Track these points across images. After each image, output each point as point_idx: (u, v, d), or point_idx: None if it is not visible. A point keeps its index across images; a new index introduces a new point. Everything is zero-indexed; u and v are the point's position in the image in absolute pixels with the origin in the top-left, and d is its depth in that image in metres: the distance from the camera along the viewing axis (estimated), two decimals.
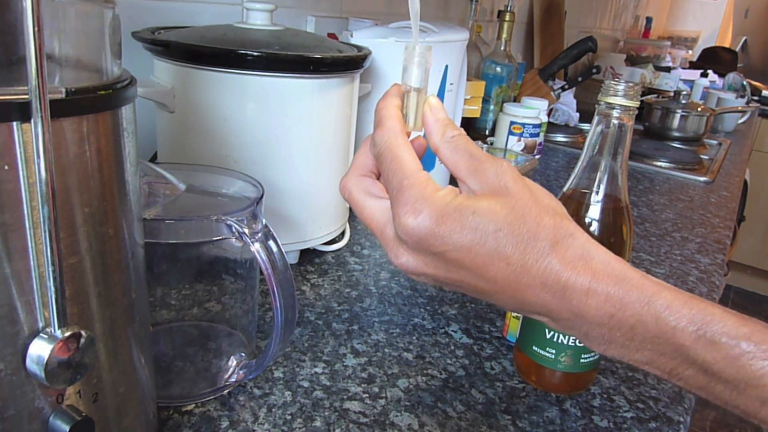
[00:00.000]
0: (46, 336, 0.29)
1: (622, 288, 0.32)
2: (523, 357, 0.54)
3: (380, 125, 0.39)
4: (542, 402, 0.52)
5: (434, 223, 0.34)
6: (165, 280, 0.52)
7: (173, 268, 0.51)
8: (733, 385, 0.31)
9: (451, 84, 0.87)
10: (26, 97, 0.25)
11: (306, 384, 0.51)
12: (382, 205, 0.38)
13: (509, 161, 0.37)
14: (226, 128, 0.62)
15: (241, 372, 0.48)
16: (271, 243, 0.44)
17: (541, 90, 1.53)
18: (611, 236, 0.48)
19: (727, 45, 3.76)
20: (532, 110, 1.24)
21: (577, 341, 0.51)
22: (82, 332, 0.29)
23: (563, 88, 1.60)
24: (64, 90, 0.27)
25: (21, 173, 0.26)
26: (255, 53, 0.59)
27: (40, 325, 0.29)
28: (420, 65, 0.41)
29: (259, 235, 0.43)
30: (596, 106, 0.47)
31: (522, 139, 1.24)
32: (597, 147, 0.47)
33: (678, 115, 1.66)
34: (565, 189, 0.50)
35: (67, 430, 0.30)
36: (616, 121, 0.46)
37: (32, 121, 0.25)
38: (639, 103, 0.46)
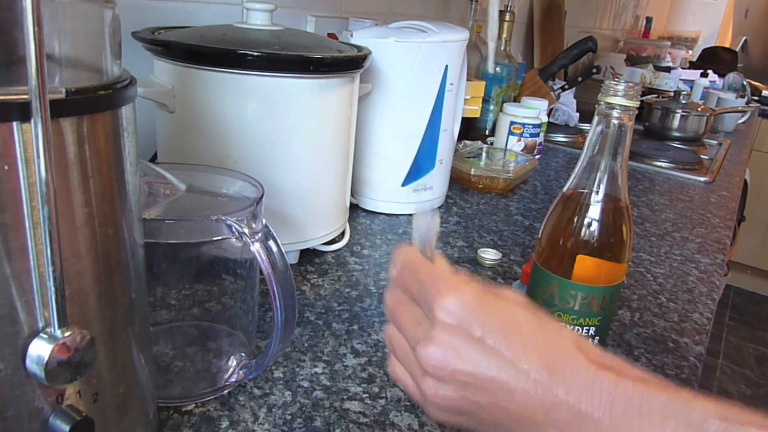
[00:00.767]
0: (46, 336, 0.29)
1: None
2: None
3: (396, 256, 0.39)
4: None
5: (478, 301, 0.34)
6: (165, 280, 0.52)
7: (173, 268, 0.51)
8: None
9: (451, 84, 0.87)
10: (26, 97, 0.25)
11: (306, 384, 0.51)
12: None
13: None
14: (226, 128, 0.62)
15: (241, 372, 0.48)
16: (271, 243, 0.44)
17: (541, 90, 1.53)
18: (611, 236, 0.48)
19: (727, 45, 3.76)
20: (532, 110, 1.24)
21: None
22: (82, 332, 0.29)
23: (563, 88, 1.60)
24: (64, 90, 0.27)
25: (21, 173, 0.26)
26: (255, 53, 0.59)
27: (40, 325, 0.29)
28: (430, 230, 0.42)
29: (259, 235, 0.43)
30: (596, 106, 0.47)
31: (522, 139, 1.24)
32: (597, 147, 0.47)
33: (678, 115, 1.66)
34: (565, 189, 0.50)
35: (67, 430, 0.30)
36: (616, 121, 0.46)
37: (32, 121, 0.25)
38: (639, 103, 0.46)
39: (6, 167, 0.26)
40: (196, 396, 0.48)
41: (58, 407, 0.31)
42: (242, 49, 0.59)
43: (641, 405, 0.31)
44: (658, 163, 1.40)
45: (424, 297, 0.36)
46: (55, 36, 0.28)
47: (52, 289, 0.28)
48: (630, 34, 3.36)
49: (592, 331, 0.49)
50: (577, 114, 1.72)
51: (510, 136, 1.25)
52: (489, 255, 0.78)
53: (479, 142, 1.23)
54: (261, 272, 0.44)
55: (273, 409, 0.48)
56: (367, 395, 0.51)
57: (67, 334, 0.29)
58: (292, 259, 0.71)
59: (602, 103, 0.46)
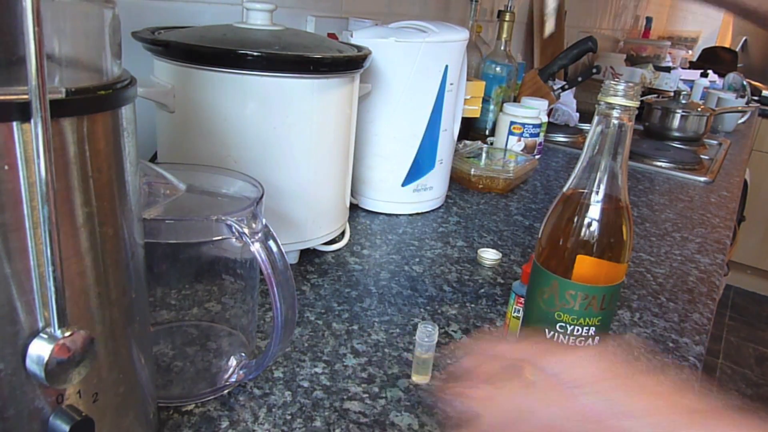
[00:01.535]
0: (46, 336, 0.29)
1: None
2: None
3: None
4: None
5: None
6: (165, 280, 0.52)
7: (173, 268, 0.51)
8: None
9: (451, 84, 0.87)
10: (26, 97, 0.25)
11: (306, 384, 0.51)
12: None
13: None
14: (226, 128, 0.62)
15: (241, 372, 0.48)
16: (271, 243, 0.44)
17: (541, 90, 1.53)
18: (611, 236, 0.48)
19: (727, 45, 3.76)
20: (532, 110, 1.24)
21: None
22: (82, 332, 0.29)
23: (563, 88, 1.60)
24: (64, 90, 0.27)
25: (21, 173, 0.26)
26: (255, 53, 0.59)
27: (40, 325, 0.29)
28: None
29: (259, 235, 0.43)
30: (596, 106, 0.47)
31: (522, 139, 1.24)
32: (597, 147, 0.47)
33: (678, 115, 1.66)
34: (564, 189, 0.50)
35: (67, 430, 0.30)
36: (616, 121, 0.46)
37: (32, 121, 0.25)
38: (639, 103, 0.46)
39: (6, 167, 0.26)
40: (196, 396, 0.48)
41: (58, 407, 0.31)
42: (242, 49, 0.59)
43: None
44: (658, 163, 1.40)
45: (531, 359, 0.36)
46: (55, 36, 0.28)
47: (52, 289, 0.28)
48: (630, 34, 3.36)
49: (592, 331, 0.49)
50: (577, 114, 1.72)
51: (510, 136, 1.25)
52: (489, 255, 0.78)
53: (479, 142, 1.23)
54: (261, 272, 0.44)
55: (273, 409, 0.48)
56: (367, 395, 0.51)
57: (67, 334, 0.29)
58: (292, 259, 0.71)
59: (602, 103, 0.46)
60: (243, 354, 0.51)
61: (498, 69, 1.37)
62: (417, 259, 0.77)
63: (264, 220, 0.45)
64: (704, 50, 3.48)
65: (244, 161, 0.63)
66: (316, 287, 0.67)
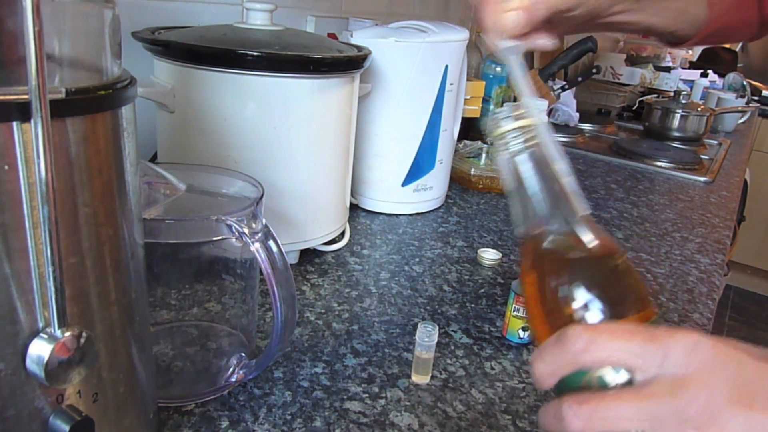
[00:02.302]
0: (46, 336, 0.29)
1: None
2: None
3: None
4: (542, 402, 0.52)
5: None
6: (165, 280, 0.52)
7: (173, 268, 0.51)
8: None
9: (451, 84, 0.87)
10: (26, 97, 0.25)
11: (306, 384, 0.51)
12: None
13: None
14: (226, 128, 0.62)
15: (241, 372, 0.48)
16: (271, 243, 0.44)
17: (541, 90, 1.53)
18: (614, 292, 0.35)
19: (727, 45, 3.76)
20: None
21: None
22: (82, 332, 0.29)
23: (563, 88, 1.60)
24: (64, 90, 0.27)
25: (21, 173, 0.26)
26: (255, 53, 0.59)
27: (40, 325, 0.29)
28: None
29: (259, 235, 0.43)
30: (489, 150, 0.38)
31: None
32: (527, 191, 0.37)
33: (678, 115, 1.66)
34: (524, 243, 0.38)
35: (67, 430, 0.30)
36: (522, 151, 0.37)
37: (32, 121, 0.25)
38: (533, 120, 0.37)
39: (6, 167, 0.26)
40: (196, 396, 0.48)
41: (58, 407, 0.31)
42: (242, 49, 0.59)
43: None
44: (658, 163, 1.40)
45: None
46: (55, 36, 0.28)
47: (52, 289, 0.28)
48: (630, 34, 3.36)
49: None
50: (577, 114, 1.72)
51: None
52: (489, 255, 0.78)
53: (479, 142, 1.23)
54: (261, 272, 0.44)
55: (273, 409, 0.48)
56: (367, 395, 0.51)
57: (67, 334, 0.29)
58: (292, 259, 0.71)
59: (494, 141, 0.37)
60: (243, 354, 0.51)
61: (498, 69, 1.37)
62: (417, 259, 0.77)
63: (264, 220, 0.45)
64: (704, 50, 3.48)
65: (244, 161, 0.63)
66: (316, 287, 0.67)
